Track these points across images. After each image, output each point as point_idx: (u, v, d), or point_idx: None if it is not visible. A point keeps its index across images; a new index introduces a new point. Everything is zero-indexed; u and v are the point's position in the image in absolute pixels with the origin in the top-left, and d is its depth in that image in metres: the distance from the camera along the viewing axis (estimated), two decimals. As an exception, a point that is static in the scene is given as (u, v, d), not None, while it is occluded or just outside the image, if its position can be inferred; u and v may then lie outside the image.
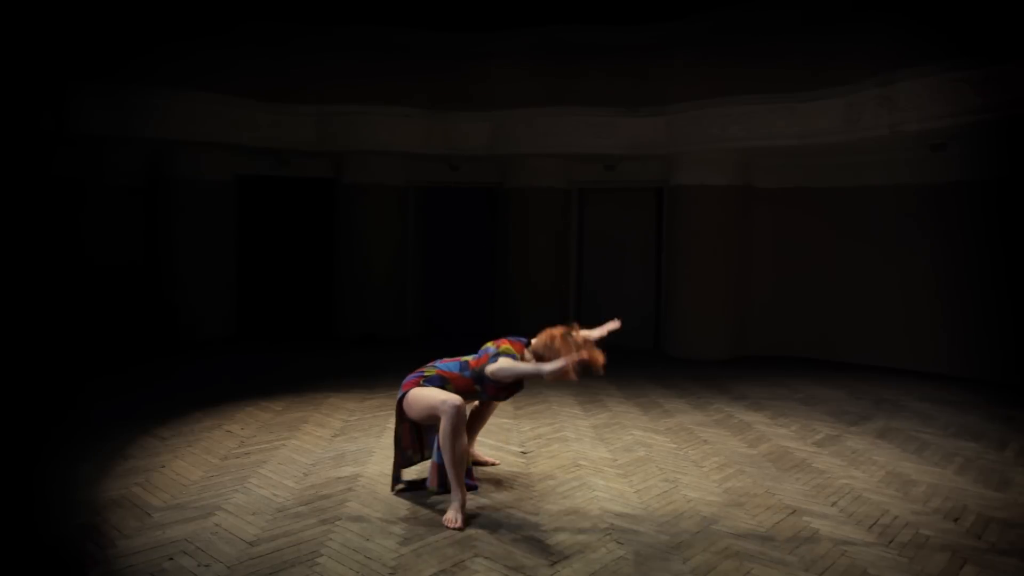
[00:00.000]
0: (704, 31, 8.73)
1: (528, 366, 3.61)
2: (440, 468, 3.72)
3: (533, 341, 3.83)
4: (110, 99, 8.17)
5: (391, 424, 5.34)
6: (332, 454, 4.61)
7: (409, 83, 9.63)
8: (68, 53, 7.99)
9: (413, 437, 4.01)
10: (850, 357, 8.61)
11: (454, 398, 3.61)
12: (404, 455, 3.98)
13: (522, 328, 9.69)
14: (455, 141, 9.68)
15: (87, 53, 8.10)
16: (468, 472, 3.91)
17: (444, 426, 3.56)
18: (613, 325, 4.07)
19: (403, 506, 3.74)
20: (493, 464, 4.45)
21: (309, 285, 10.47)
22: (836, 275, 8.77)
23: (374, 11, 9.08)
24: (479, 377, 3.76)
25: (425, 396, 3.70)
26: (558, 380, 3.59)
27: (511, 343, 3.86)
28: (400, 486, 4.01)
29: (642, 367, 8.19)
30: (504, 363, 3.64)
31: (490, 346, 3.85)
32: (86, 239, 9.02)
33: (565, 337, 3.68)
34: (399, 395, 3.87)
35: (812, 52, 8.06)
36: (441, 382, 3.79)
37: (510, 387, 3.83)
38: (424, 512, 3.65)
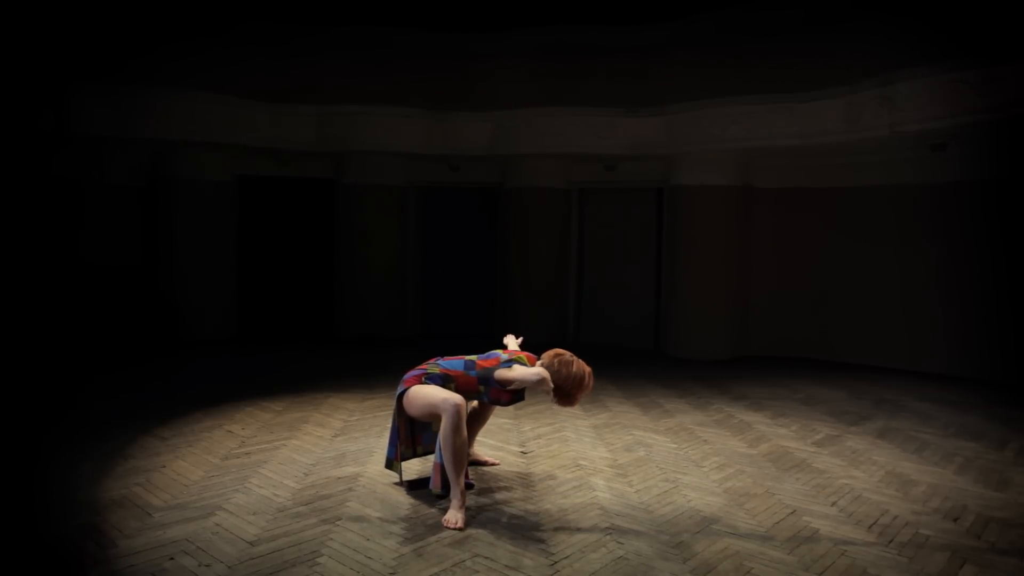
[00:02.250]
0: (704, 31, 8.74)
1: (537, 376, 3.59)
2: (442, 469, 3.71)
3: (544, 356, 3.81)
4: (110, 99, 8.17)
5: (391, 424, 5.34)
6: (332, 454, 4.61)
7: (409, 83, 9.63)
8: (68, 53, 8.00)
9: (407, 432, 4.03)
10: (850, 357, 8.61)
11: (456, 397, 3.60)
12: (397, 449, 3.98)
13: (522, 328, 9.73)
14: (455, 141, 9.68)
15: (87, 53, 8.11)
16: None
17: (445, 425, 3.56)
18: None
19: (403, 506, 3.74)
20: (494, 464, 4.46)
21: (309, 285, 10.47)
22: (836, 275, 8.78)
23: (374, 11, 9.08)
24: (485, 378, 3.76)
25: (427, 394, 3.70)
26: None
27: (525, 355, 3.88)
28: (395, 475, 4.08)
29: (642, 367, 8.19)
30: (520, 370, 3.64)
31: (501, 352, 3.86)
32: (86, 239, 9.03)
33: (577, 365, 3.71)
34: (399, 390, 3.86)
35: (812, 52, 8.06)
36: (444, 380, 3.79)
37: (513, 394, 3.83)
38: (424, 512, 3.65)
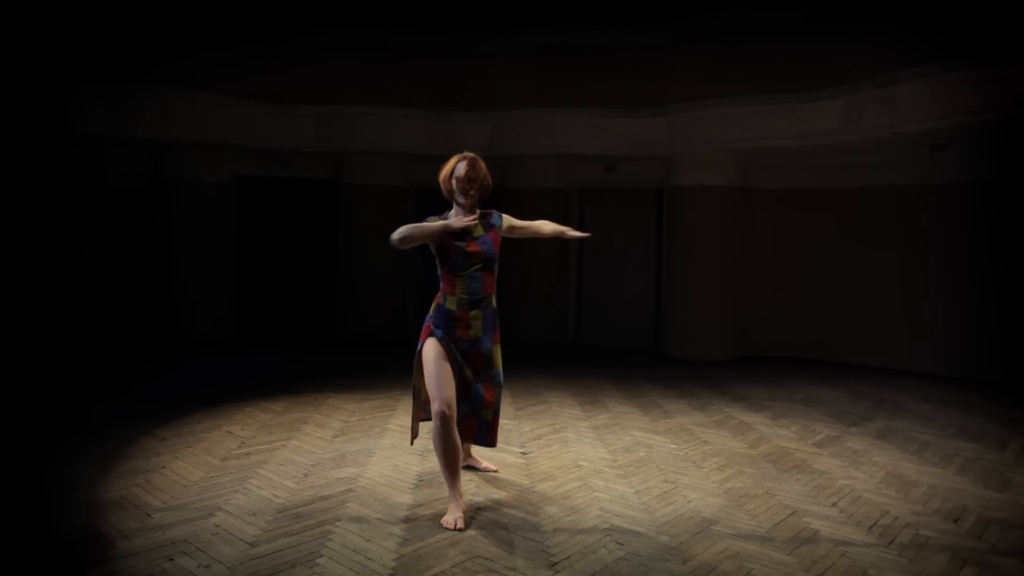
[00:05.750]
0: (704, 31, 8.74)
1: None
2: (481, 423, 3.90)
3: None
4: (110, 99, 8.17)
5: (391, 425, 5.35)
6: (332, 455, 4.61)
7: (409, 83, 9.63)
8: (68, 53, 7.99)
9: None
10: (850, 357, 8.61)
11: (441, 401, 3.54)
12: (425, 408, 3.92)
13: (523, 329, 9.75)
14: (455, 141, 9.63)
15: (87, 53, 8.10)
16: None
17: (433, 428, 3.56)
18: (580, 234, 4.42)
19: (403, 507, 3.74)
20: (493, 471, 4.40)
21: (309, 286, 10.46)
22: (836, 275, 8.77)
23: (374, 11, 9.08)
24: (443, 254, 4.17)
25: (426, 371, 3.69)
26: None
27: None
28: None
29: (642, 368, 8.19)
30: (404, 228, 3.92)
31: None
32: (86, 240, 9.02)
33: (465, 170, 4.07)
34: (418, 346, 3.83)
35: (813, 52, 8.06)
36: (440, 305, 4.04)
37: (455, 240, 4.17)
38: (424, 513, 3.65)
